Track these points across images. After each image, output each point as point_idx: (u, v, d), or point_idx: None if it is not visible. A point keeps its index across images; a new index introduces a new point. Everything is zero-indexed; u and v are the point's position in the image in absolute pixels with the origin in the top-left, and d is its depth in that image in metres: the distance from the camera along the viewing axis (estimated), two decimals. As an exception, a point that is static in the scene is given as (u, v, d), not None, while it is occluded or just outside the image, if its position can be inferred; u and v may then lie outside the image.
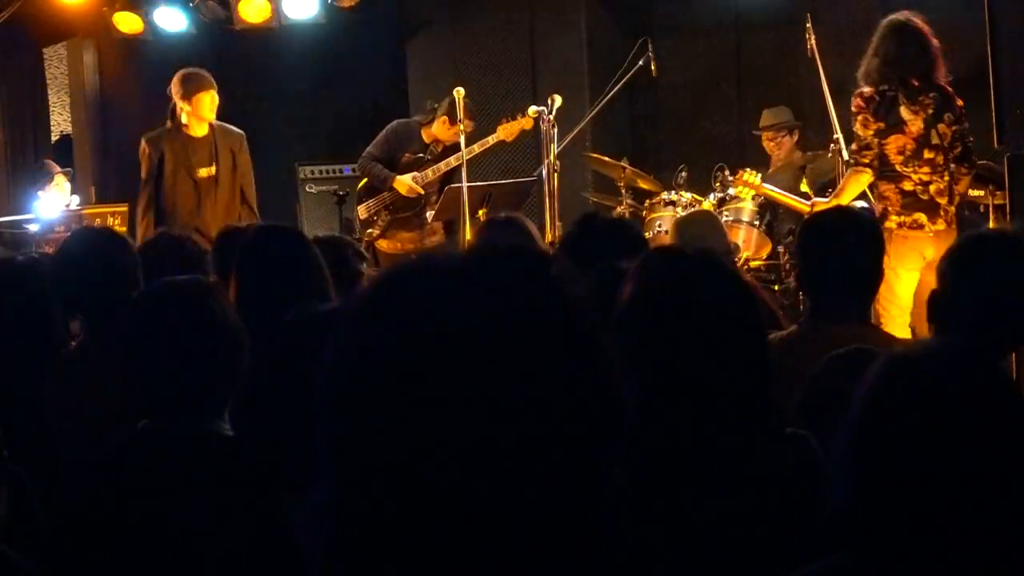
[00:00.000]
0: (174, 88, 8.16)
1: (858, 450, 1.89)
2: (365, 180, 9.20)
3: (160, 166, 8.19)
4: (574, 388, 1.23)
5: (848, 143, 6.83)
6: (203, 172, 8.19)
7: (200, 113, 8.12)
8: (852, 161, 6.72)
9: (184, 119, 8.17)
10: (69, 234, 4.99)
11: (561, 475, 1.22)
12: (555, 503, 1.22)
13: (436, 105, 9.00)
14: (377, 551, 1.23)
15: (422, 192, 8.90)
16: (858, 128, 6.68)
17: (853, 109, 6.73)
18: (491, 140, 8.60)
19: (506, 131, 8.61)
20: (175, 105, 8.18)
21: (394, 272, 1.30)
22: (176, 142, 8.19)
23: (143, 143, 8.28)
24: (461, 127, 8.38)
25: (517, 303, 1.24)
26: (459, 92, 8.37)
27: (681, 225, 5.73)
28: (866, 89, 6.68)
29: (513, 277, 1.27)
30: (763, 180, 7.84)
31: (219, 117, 8.27)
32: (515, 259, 1.29)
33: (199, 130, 8.20)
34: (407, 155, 9.00)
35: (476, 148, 8.54)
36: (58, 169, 10.57)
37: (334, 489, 1.26)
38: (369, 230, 9.10)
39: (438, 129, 8.90)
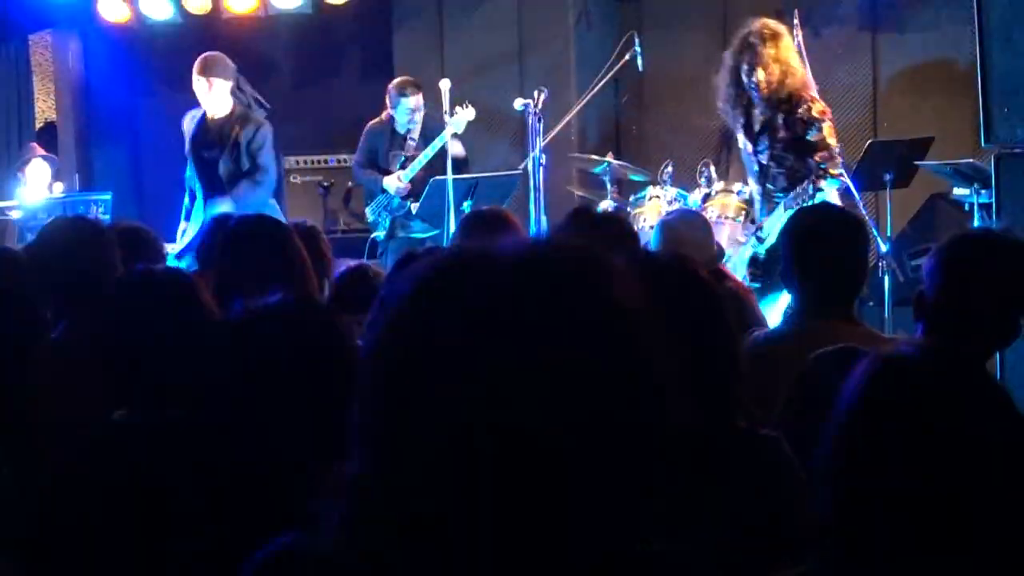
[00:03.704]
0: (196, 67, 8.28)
1: (841, 453, 1.86)
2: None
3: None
4: (623, 387, 1.22)
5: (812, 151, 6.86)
6: (206, 154, 8.29)
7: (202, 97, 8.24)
8: (824, 174, 6.72)
9: (201, 100, 8.28)
10: (47, 223, 4.93)
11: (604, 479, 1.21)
12: (595, 509, 1.21)
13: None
14: (396, 532, 1.21)
15: (409, 187, 8.88)
16: (829, 136, 6.80)
17: (822, 114, 6.78)
18: (447, 134, 8.57)
19: (457, 124, 8.66)
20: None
21: (453, 259, 1.27)
22: (194, 122, 8.36)
23: None
24: (447, 118, 8.38)
25: (574, 299, 1.22)
26: (445, 84, 8.37)
27: (667, 226, 5.63)
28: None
29: (574, 273, 1.25)
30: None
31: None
32: (576, 255, 1.27)
33: (217, 111, 8.28)
34: (392, 153, 9.01)
35: (437, 143, 8.55)
36: (40, 152, 10.45)
37: (368, 466, 1.24)
38: (378, 231, 9.12)
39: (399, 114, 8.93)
